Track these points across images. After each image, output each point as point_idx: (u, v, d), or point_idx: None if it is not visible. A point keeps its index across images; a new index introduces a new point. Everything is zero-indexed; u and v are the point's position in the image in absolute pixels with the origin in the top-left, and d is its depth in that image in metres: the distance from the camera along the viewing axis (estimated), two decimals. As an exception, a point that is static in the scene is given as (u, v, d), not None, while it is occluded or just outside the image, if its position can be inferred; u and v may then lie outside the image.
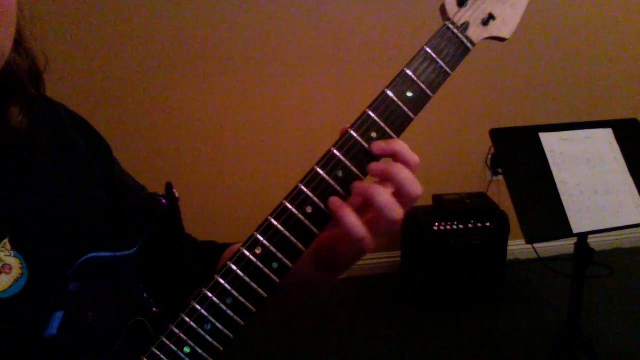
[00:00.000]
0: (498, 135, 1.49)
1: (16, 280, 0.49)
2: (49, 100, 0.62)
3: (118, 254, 0.53)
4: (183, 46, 2.23)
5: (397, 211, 0.50)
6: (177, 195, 0.56)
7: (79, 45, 2.13)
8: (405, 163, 0.51)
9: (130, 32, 2.17)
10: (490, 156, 2.59)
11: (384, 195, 0.50)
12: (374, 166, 0.51)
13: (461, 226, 2.28)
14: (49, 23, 2.04)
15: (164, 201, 0.55)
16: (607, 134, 1.53)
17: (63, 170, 0.58)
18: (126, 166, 0.70)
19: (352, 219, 0.50)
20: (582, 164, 1.46)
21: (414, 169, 0.51)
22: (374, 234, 0.51)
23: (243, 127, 2.38)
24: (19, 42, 0.54)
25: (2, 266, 0.49)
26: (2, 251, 0.49)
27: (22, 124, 0.53)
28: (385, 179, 0.51)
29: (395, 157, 0.52)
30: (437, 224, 2.27)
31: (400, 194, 0.51)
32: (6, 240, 0.50)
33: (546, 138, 1.47)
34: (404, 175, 0.50)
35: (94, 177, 0.62)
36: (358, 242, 0.51)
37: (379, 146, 0.51)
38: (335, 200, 0.51)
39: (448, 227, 2.27)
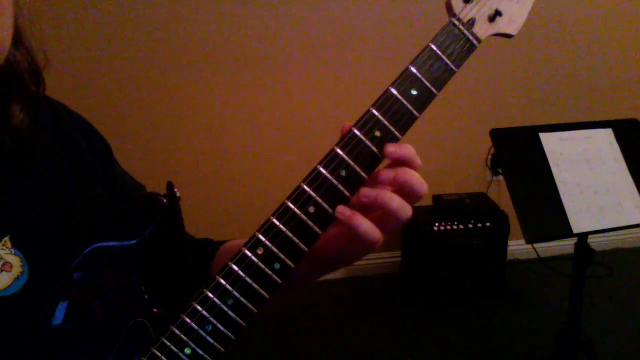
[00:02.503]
0: (498, 135, 1.49)
1: (17, 278, 0.49)
2: (48, 99, 0.62)
3: (124, 243, 0.53)
4: (183, 45, 2.23)
5: (408, 211, 0.51)
6: (178, 194, 0.55)
7: (79, 45, 2.12)
8: (411, 168, 0.52)
9: (130, 32, 2.17)
10: (490, 156, 2.59)
11: (396, 200, 0.50)
12: (385, 173, 0.51)
13: (461, 226, 2.28)
14: (49, 22, 2.04)
15: (164, 200, 0.55)
16: (607, 134, 1.53)
17: (63, 169, 0.58)
18: (126, 165, 0.69)
19: (367, 226, 0.50)
20: (582, 164, 1.46)
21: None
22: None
23: (244, 126, 2.37)
24: (19, 40, 0.54)
25: (3, 264, 0.49)
26: (2, 249, 0.49)
27: (23, 122, 0.53)
28: (397, 185, 0.51)
29: (402, 161, 0.52)
30: (437, 224, 2.27)
31: (409, 195, 0.51)
32: (7, 238, 0.50)
33: (546, 138, 1.46)
34: (415, 180, 0.51)
35: (94, 175, 0.62)
36: (372, 245, 0.51)
37: (389, 151, 0.51)
38: (343, 210, 0.51)
39: (448, 227, 2.27)
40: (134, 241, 0.53)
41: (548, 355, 1.60)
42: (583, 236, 1.49)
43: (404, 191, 0.51)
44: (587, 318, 1.64)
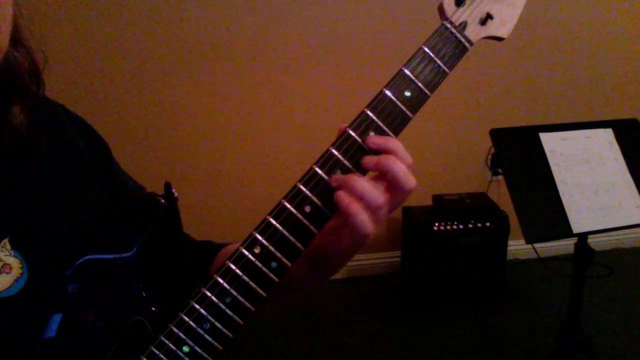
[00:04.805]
0: (498, 135, 1.49)
1: (16, 280, 0.49)
2: (48, 101, 0.62)
3: (116, 256, 0.53)
4: (182, 46, 2.23)
5: (379, 198, 0.50)
6: (176, 194, 0.56)
7: (78, 45, 2.13)
8: (400, 161, 0.51)
9: (129, 32, 2.17)
10: (490, 156, 2.59)
11: (399, 164, 0.50)
12: (368, 159, 0.51)
13: (461, 226, 2.28)
14: (49, 23, 2.05)
15: (162, 201, 0.55)
16: (607, 134, 1.53)
17: (63, 170, 0.58)
18: (125, 166, 0.70)
19: (363, 216, 0.50)
20: (582, 164, 1.46)
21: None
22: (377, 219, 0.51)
23: (242, 127, 2.38)
24: (19, 41, 0.54)
25: (2, 266, 0.49)
26: (2, 251, 0.49)
27: (22, 124, 0.53)
28: (379, 171, 0.51)
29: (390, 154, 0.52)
30: (437, 224, 2.27)
31: (393, 186, 0.51)
32: (6, 240, 0.50)
33: (546, 138, 1.47)
34: (398, 167, 0.50)
35: (94, 177, 0.62)
36: (364, 238, 0.51)
37: (373, 141, 0.51)
38: (345, 196, 0.50)
39: (448, 227, 2.27)
40: (127, 254, 0.53)
41: (548, 355, 1.60)
42: (583, 236, 1.50)
43: (388, 180, 0.51)
44: (587, 318, 1.64)
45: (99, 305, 0.53)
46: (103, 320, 0.52)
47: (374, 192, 0.50)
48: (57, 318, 0.50)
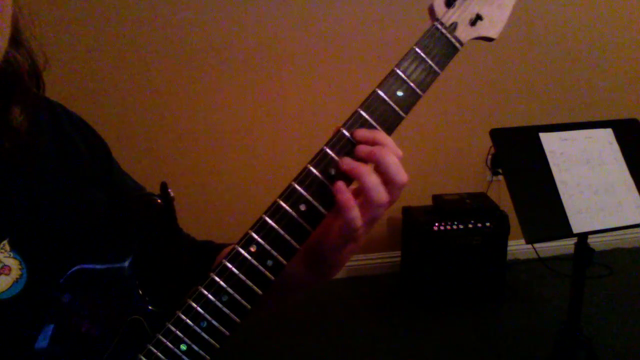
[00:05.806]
0: (498, 135, 1.49)
1: (15, 281, 0.49)
2: (48, 101, 0.62)
3: (109, 266, 0.53)
4: (182, 45, 2.24)
5: (383, 194, 0.49)
6: (172, 194, 0.56)
7: (77, 45, 2.14)
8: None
9: (128, 32, 2.18)
10: (490, 156, 2.59)
11: (372, 176, 0.49)
12: (362, 147, 0.51)
13: (461, 226, 2.28)
14: (49, 23, 2.05)
15: (159, 201, 0.56)
16: (607, 134, 1.53)
17: (62, 171, 0.58)
18: (124, 165, 0.70)
19: (356, 212, 0.49)
20: (582, 164, 1.47)
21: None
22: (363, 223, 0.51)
23: (240, 127, 2.39)
24: (19, 42, 0.54)
25: (2, 267, 0.49)
26: (1, 252, 0.49)
27: (22, 125, 0.53)
28: (372, 161, 0.51)
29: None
30: (437, 224, 2.27)
31: (385, 180, 0.50)
32: (5, 242, 0.50)
33: (546, 138, 1.47)
34: (391, 159, 0.50)
35: (93, 177, 0.62)
36: (354, 232, 0.51)
37: (361, 134, 0.51)
38: (344, 189, 0.50)
39: (448, 227, 2.28)
40: (120, 264, 0.53)
41: (548, 355, 1.61)
42: (583, 236, 1.50)
43: (381, 173, 0.50)
44: (587, 318, 1.64)
45: (95, 309, 0.53)
46: (98, 326, 0.52)
47: (382, 188, 0.49)
48: (49, 328, 0.50)
